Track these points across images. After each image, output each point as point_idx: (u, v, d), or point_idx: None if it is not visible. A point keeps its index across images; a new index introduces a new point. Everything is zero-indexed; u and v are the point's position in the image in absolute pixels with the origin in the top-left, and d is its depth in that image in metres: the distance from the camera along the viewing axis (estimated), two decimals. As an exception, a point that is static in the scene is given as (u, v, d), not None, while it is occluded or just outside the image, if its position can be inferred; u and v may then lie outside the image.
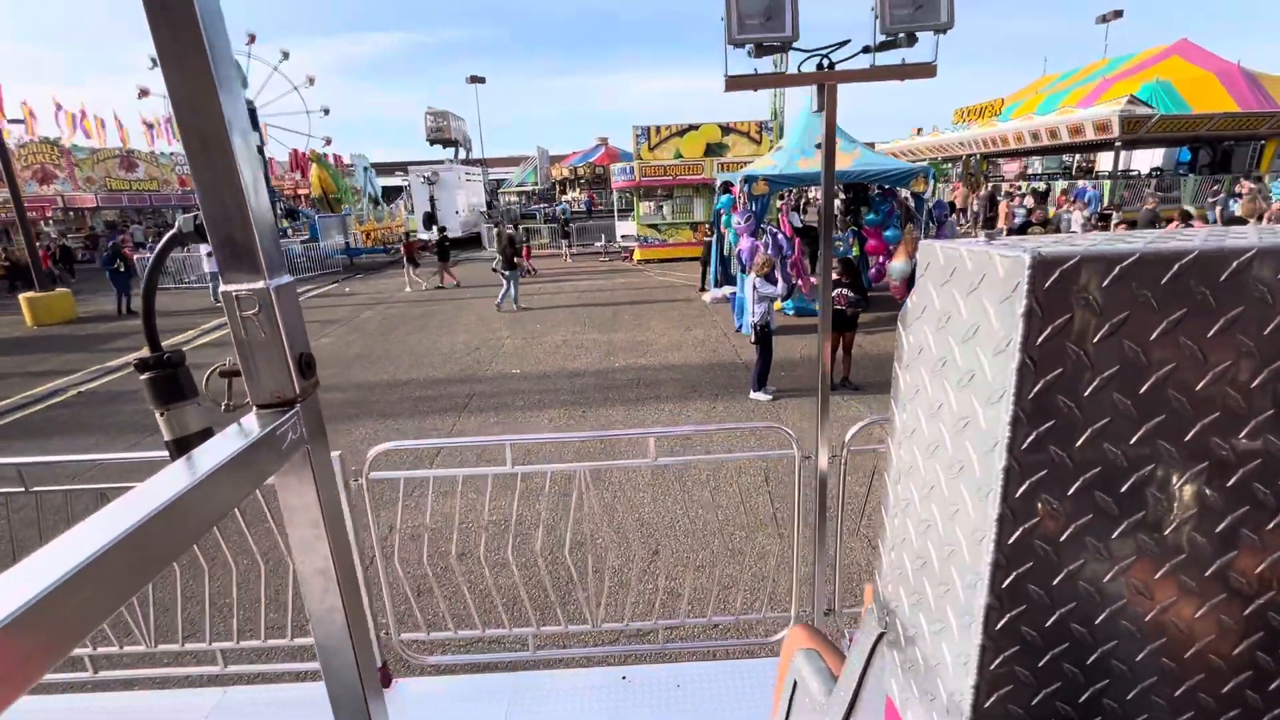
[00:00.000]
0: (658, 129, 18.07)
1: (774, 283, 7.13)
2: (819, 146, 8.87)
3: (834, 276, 8.21)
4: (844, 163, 10.26)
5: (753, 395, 7.33)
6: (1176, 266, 0.60)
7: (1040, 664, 0.71)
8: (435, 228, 19.55)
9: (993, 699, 0.72)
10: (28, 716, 2.45)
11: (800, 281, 11.30)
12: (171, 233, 0.87)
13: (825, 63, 2.02)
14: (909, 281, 10.58)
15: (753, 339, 7.39)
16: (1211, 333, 0.61)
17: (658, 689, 2.54)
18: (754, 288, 7.10)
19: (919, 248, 0.80)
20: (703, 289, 13.81)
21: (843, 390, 7.85)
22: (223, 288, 0.74)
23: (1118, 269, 0.60)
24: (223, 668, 2.62)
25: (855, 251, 12.30)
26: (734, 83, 1.98)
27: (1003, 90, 28.73)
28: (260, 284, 0.74)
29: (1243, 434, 0.63)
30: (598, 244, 21.16)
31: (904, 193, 10.43)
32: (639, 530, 4.34)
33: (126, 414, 8.22)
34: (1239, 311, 0.60)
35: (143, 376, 0.89)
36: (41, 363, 11.05)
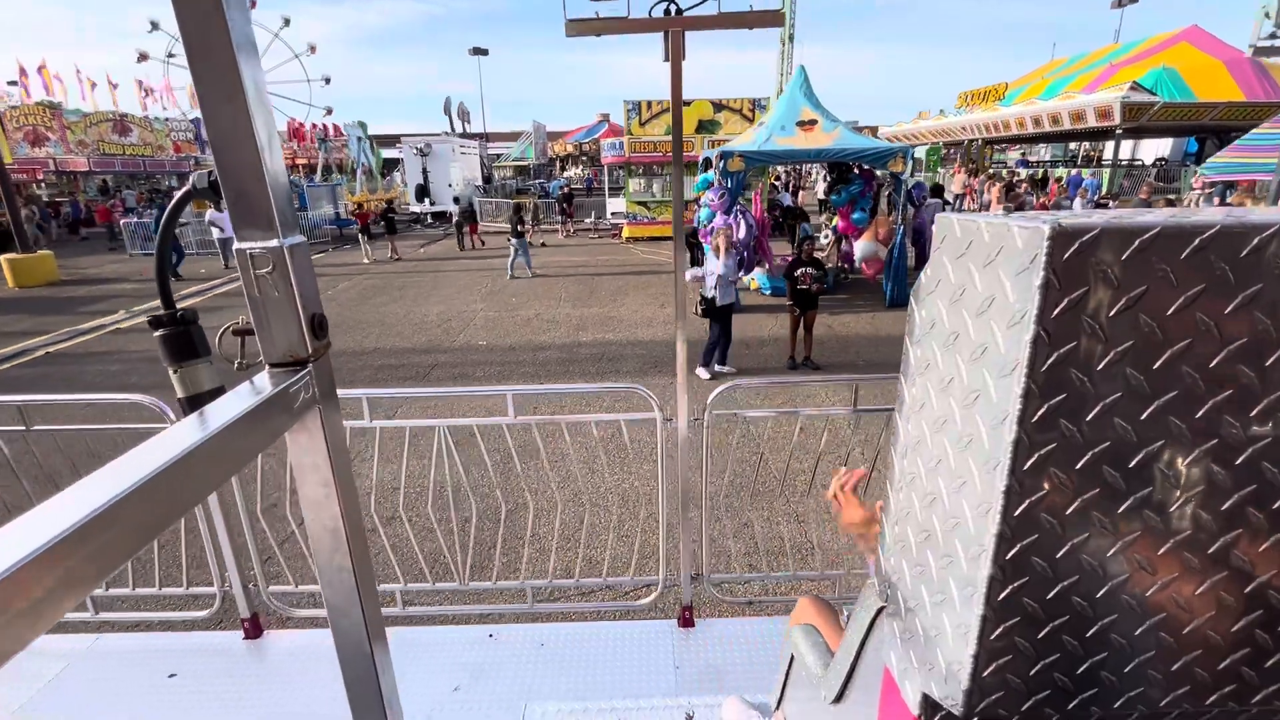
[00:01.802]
0: (649, 104, 17.83)
1: (717, 258, 7.00)
2: (801, 124, 8.69)
3: (796, 255, 8.12)
4: (823, 141, 10.12)
5: (698, 371, 7.31)
6: (1197, 241, 0.59)
7: (1040, 635, 0.72)
8: (385, 202, 19.41)
9: (991, 668, 0.73)
10: None
11: (768, 264, 11.24)
12: (185, 189, 0.87)
13: (672, 8, 1.95)
14: (881, 263, 10.48)
15: (699, 312, 7.30)
16: (1229, 309, 0.61)
17: (522, 647, 2.55)
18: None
19: (936, 222, 0.80)
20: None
21: (804, 369, 7.81)
22: (236, 245, 0.74)
23: (1137, 242, 0.59)
24: (93, 614, 2.64)
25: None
26: (574, 27, 1.91)
27: (1018, 75, 28.06)
28: (274, 242, 0.74)
29: (1254, 412, 0.63)
30: (588, 220, 20.99)
31: (885, 173, 10.27)
32: (542, 491, 4.35)
33: (91, 375, 8.25)
34: (1257, 289, 0.60)
35: (157, 334, 0.89)
36: (16, 323, 11.06)
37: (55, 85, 27.04)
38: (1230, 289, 0.60)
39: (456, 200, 21.06)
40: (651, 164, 17.96)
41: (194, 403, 0.89)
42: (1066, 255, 0.59)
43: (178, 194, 0.90)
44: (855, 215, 10.66)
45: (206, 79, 0.68)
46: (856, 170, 11.14)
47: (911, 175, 9.91)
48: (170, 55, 29.59)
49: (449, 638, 2.60)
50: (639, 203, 18.57)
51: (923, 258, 12.17)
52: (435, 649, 2.53)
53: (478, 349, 8.88)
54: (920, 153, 31.03)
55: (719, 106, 17.77)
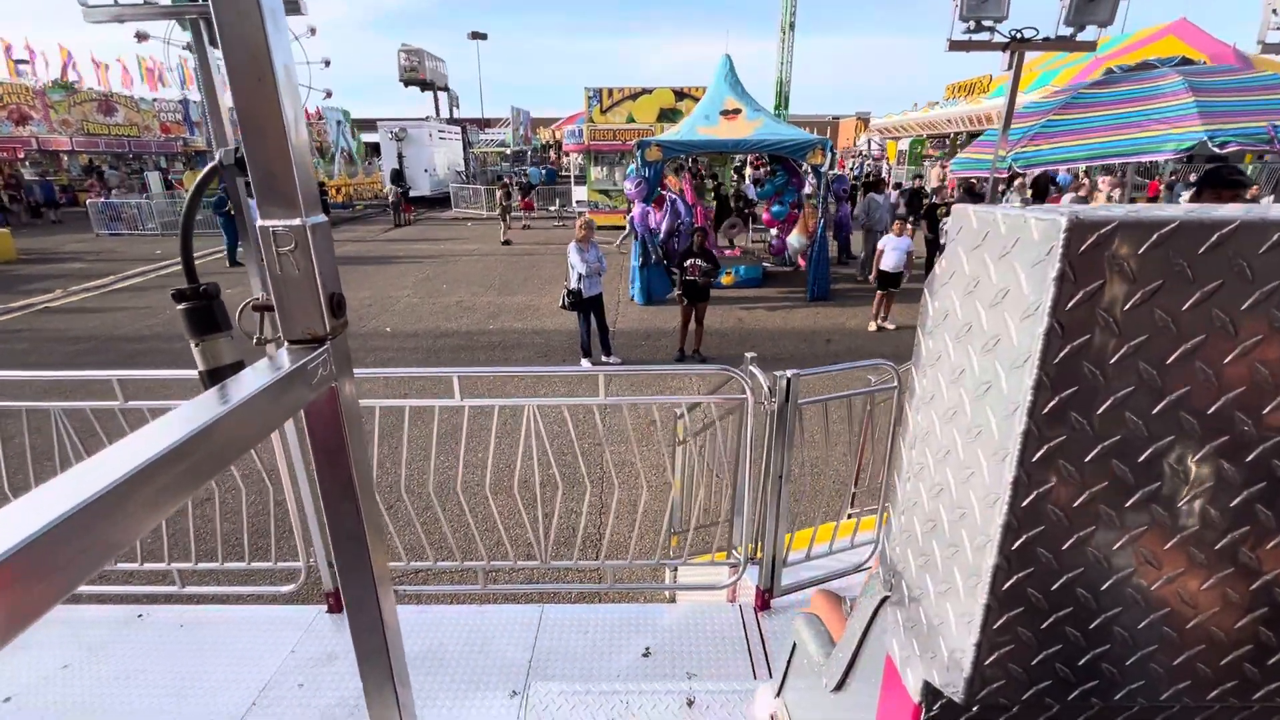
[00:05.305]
0: (610, 91, 17.68)
1: (581, 254, 6.93)
2: (725, 113, 8.57)
3: (687, 246, 8.06)
4: (744, 131, 10.00)
5: (582, 362, 7.31)
6: (1216, 236, 0.59)
7: (1043, 626, 0.72)
8: (317, 184, 19.48)
9: (993, 657, 0.73)
10: None
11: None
12: (211, 164, 0.89)
13: (195, -8, 1.92)
14: (806, 255, 10.39)
15: (565, 305, 7.24)
16: (1245, 306, 0.60)
17: (163, 629, 2.59)
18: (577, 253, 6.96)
19: (952, 212, 0.80)
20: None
21: (692, 361, 7.79)
22: (259, 222, 0.75)
23: (1155, 236, 0.59)
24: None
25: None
26: (93, 14, 1.90)
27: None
28: (297, 221, 0.75)
29: (1267, 410, 0.62)
30: (552, 208, 20.92)
31: (806, 166, 10.14)
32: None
33: (-3, 354, 8.37)
34: (1274, 286, 0.59)
35: (180, 307, 0.92)
36: (-49, 301, 11.22)
37: (40, 65, 27.18)
38: (1248, 285, 0.59)
39: (399, 184, 21.25)
40: (611, 152, 17.86)
41: (214, 376, 0.91)
42: (1083, 248, 0.59)
43: (204, 169, 0.91)
44: (774, 209, 10.54)
45: (238, 60, 0.69)
46: (782, 163, 11.02)
47: (831, 167, 9.76)
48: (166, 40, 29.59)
49: (94, 616, 2.63)
50: (601, 191, 18.49)
51: (844, 251, 12.04)
52: (79, 628, 2.57)
53: (381, 335, 8.92)
54: (904, 145, 30.60)
55: (680, 95, 17.58)
